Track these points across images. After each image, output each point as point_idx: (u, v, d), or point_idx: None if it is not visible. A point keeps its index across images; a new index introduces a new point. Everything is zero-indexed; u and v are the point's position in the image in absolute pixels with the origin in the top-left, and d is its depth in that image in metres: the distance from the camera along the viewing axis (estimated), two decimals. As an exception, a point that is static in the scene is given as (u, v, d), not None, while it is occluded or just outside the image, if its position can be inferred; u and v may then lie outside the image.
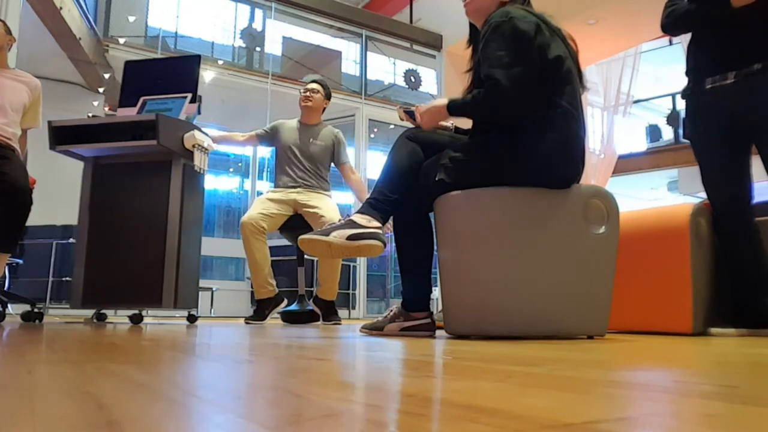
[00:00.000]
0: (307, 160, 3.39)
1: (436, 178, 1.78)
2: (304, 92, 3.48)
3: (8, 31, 2.84)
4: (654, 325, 2.23)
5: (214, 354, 1.11)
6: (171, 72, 3.14)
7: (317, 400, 0.53)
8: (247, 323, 3.15)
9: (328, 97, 3.55)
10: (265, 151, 3.60)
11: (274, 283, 3.24)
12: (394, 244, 2.00)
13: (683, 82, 2.30)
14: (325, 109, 3.56)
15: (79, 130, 2.75)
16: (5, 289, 4.51)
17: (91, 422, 0.42)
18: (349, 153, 3.66)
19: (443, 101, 1.83)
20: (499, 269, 1.74)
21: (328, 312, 3.34)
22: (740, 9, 2.02)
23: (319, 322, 3.37)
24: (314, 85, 3.50)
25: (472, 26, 2.02)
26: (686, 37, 2.31)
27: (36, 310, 2.93)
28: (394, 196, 1.82)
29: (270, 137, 3.51)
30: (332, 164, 3.51)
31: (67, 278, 5.36)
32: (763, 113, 2.05)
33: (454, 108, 1.81)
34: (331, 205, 3.31)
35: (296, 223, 3.25)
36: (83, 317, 3.28)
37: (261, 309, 3.21)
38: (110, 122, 2.80)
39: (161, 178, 2.77)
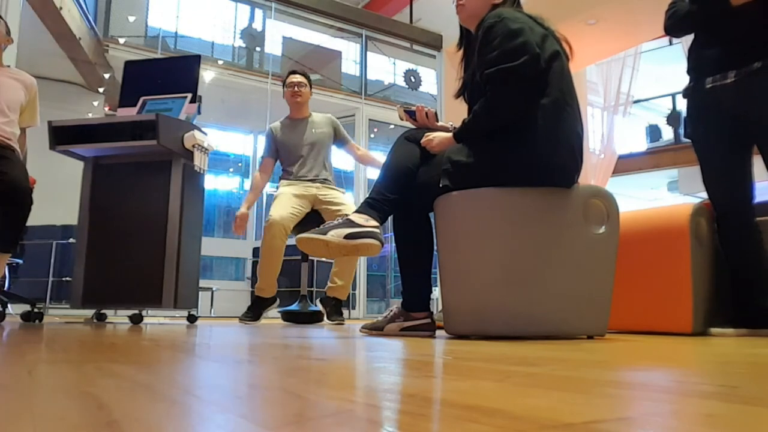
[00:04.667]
0: (316, 151, 3.37)
1: (440, 185, 1.78)
2: (291, 87, 3.43)
3: (8, 32, 2.84)
4: (654, 325, 2.23)
5: (214, 354, 1.11)
6: (171, 72, 3.14)
7: (317, 400, 0.53)
8: (241, 322, 3.14)
9: (311, 86, 3.54)
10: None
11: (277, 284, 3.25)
12: (394, 244, 2.00)
13: (683, 82, 2.29)
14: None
15: (79, 130, 2.75)
16: (5, 289, 4.51)
17: (91, 422, 0.42)
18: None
19: (449, 133, 1.84)
20: (499, 269, 1.74)
21: (333, 311, 3.33)
22: (740, 8, 2.02)
23: (323, 322, 3.36)
24: (300, 78, 3.46)
25: (462, 30, 2.03)
26: (687, 37, 2.31)
27: (36, 310, 2.92)
28: (392, 195, 1.82)
29: (275, 147, 3.46)
30: (338, 147, 3.51)
31: (67, 278, 5.36)
32: (763, 112, 2.05)
33: (460, 133, 1.81)
34: (350, 203, 3.29)
35: (311, 219, 3.20)
36: (83, 317, 3.28)
37: (257, 308, 3.19)
38: (110, 122, 2.81)
39: (161, 178, 2.77)
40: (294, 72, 3.51)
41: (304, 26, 8.39)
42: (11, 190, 2.51)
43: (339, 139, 3.47)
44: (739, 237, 2.17)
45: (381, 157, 3.15)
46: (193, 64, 3.12)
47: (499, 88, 1.71)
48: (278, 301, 3.30)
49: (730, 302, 2.19)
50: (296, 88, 3.43)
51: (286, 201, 3.17)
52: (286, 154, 3.41)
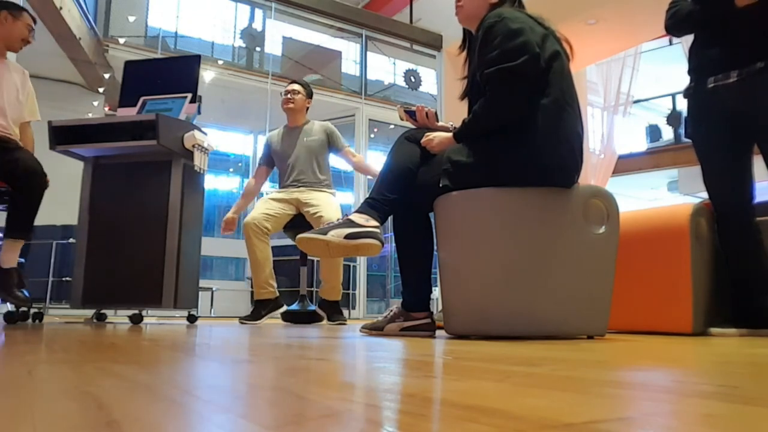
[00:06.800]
0: (304, 158, 3.39)
1: (440, 185, 1.78)
2: (285, 95, 3.48)
3: (31, 29, 2.79)
4: (654, 325, 2.23)
5: (214, 354, 1.11)
6: (171, 72, 3.14)
7: (317, 400, 0.53)
8: (241, 323, 3.14)
9: (309, 96, 3.54)
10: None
11: (275, 284, 3.24)
12: (394, 244, 2.00)
13: (683, 82, 2.29)
14: (308, 108, 3.55)
15: (79, 130, 2.75)
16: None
17: (91, 422, 0.42)
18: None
19: (449, 134, 1.84)
20: (499, 269, 1.74)
21: (333, 312, 3.35)
22: (744, 8, 2.02)
23: (323, 322, 3.37)
24: (294, 86, 3.50)
25: (465, 31, 2.03)
26: (687, 37, 2.30)
27: (36, 310, 2.92)
28: (392, 195, 1.82)
29: (271, 155, 3.51)
30: (334, 154, 3.51)
31: (67, 278, 5.36)
32: (765, 113, 2.05)
33: (460, 133, 1.81)
34: (332, 204, 3.30)
35: (300, 222, 3.24)
36: (83, 317, 3.28)
37: (258, 309, 3.20)
38: (110, 122, 2.80)
39: (161, 178, 2.77)
40: (292, 82, 3.56)
41: (304, 26, 8.39)
42: (23, 172, 2.48)
43: (333, 146, 3.48)
44: (739, 237, 2.17)
45: (377, 164, 3.18)
46: (193, 64, 3.12)
47: (499, 88, 1.71)
48: (284, 306, 3.30)
49: (730, 302, 2.19)
50: (288, 95, 3.46)
51: (262, 204, 3.29)
52: (279, 163, 3.48)
